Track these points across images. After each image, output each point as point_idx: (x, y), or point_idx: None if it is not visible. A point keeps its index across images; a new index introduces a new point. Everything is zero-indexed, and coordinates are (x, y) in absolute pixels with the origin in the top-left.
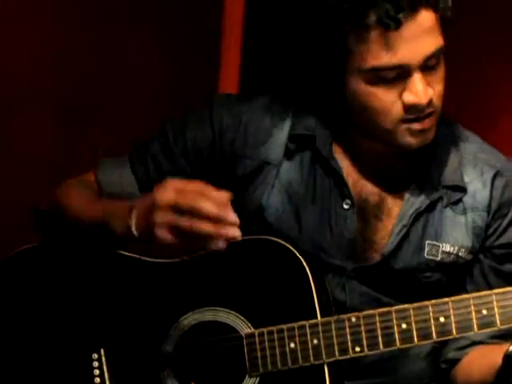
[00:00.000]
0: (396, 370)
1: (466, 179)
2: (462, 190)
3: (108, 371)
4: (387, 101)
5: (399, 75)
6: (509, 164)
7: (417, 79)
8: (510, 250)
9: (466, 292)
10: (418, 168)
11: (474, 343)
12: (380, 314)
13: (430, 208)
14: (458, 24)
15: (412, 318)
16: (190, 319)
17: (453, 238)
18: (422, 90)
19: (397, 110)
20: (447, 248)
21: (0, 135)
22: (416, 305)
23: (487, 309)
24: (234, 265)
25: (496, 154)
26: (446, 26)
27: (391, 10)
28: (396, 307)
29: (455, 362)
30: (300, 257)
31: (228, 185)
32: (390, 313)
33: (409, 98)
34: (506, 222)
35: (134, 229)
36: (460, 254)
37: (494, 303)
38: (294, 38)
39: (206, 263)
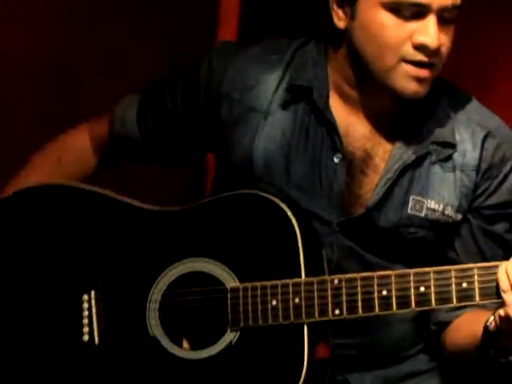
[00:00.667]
0: (381, 330)
1: (458, 138)
2: (452, 146)
3: (96, 313)
4: (398, 35)
5: (416, 14)
6: (502, 126)
7: (432, 21)
8: (499, 211)
9: (455, 252)
10: (409, 123)
11: (467, 305)
12: (362, 279)
13: (418, 163)
14: None
15: (393, 285)
16: (179, 268)
17: (439, 195)
18: (434, 33)
19: (404, 47)
20: (432, 205)
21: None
22: (398, 272)
23: (468, 282)
24: (225, 218)
25: (490, 116)
26: None
27: None
28: (378, 273)
29: (446, 324)
30: (291, 215)
31: (215, 130)
32: (371, 278)
33: (420, 37)
34: (495, 182)
35: None
36: (446, 212)
37: (475, 277)
38: None
39: (197, 214)
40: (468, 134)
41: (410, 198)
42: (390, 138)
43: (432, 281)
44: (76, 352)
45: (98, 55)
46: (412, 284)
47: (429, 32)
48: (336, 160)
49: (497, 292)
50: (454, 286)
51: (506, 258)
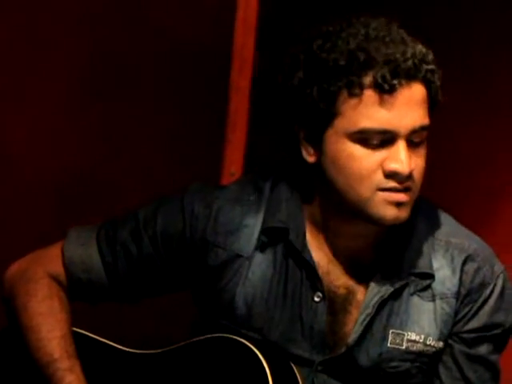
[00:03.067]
0: None
1: (436, 265)
2: (430, 276)
3: None
4: (368, 165)
5: (384, 141)
6: (482, 247)
7: (401, 147)
8: (481, 334)
9: (440, 379)
10: (388, 254)
11: None
12: None
13: (396, 295)
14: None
15: None
16: None
17: (419, 327)
18: (405, 159)
19: (376, 176)
20: (413, 336)
21: None
22: None
23: None
24: (201, 363)
25: (470, 238)
26: (435, 110)
27: (388, 74)
28: None
29: None
30: (263, 360)
31: (199, 274)
32: None
33: (391, 165)
34: (475, 307)
35: None
36: (427, 342)
37: None
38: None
39: (174, 359)
40: (447, 259)
41: (390, 332)
42: (370, 269)
43: None
44: None
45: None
46: None
47: (399, 159)
48: (316, 299)
49: None
50: None
51: (493, 380)
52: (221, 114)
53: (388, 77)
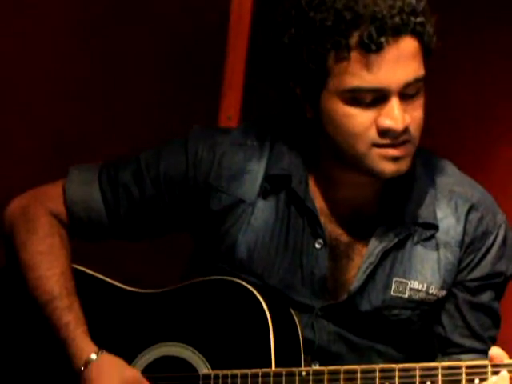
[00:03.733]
0: None
1: (440, 215)
2: (434, 227)
3: None
4: (362, 123)
5: (377, 99)
6: (485, 196)
7: (394, 104)
8: (484, 282)
9: (442, 326)
10: (391, 205)
11: None
12: (329, 372)
13: (399, 245)
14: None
15: (358, 380)
16: (154, 352)
17: (421, 275)
18: (398, 116)
19: (371, 133)
20: (415, 285)
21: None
22: (364, 367)
23: (432, 381)
24: (202, 304)
25: (473, 187)
26: (430, 58)
27: (374, 32)
28: (345, 367)
29: None
30: (263, 303)
31: (201, 218)
32: (338, 372)
33: (384, 122)
34: (478, 256)
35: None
36: (430, 290)
37: (439, 377)
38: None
39: (175, 298)
40: (451, 208)
41: (393, 281)
42: (373, 219)
43: (397, 378)
44: None
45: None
46: (377, 380)
47: (392, 115)
48: (318, 246)
49: None
50: None
51: (494, 326)
52: (219, 58)
53: (374, 35)
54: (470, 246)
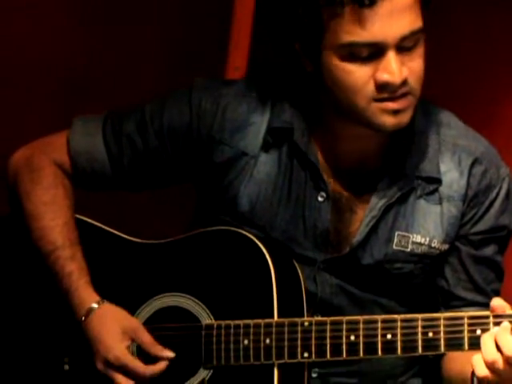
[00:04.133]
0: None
1: (443, 168)
2: (438, 181)
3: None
4: (360, 78)
5: (373, 53)
6: (489, 150)
7: (391, 58)
8: (487, 235)
9: (445, 279)
10: (393, 158)
11: None
12: (331, 323)
13: (402, 199)
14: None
15: (360, 331)
16: (157, 302)
17: (424, 229)
18: (395, 69)
19: (369, 88)
20: (418, 239)
21: None
22: (366, 318)
23: (434, 332)
24: (204, 254)
25: (477, 140)
26: (428, 8)
27: None
28: (347, 318)
29: (442, 354)
30: (266, 254)
31: (204, 170)
32: (340, 322)
33: (382, 76)
34: (482, 209)
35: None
36: (432, 244)
37: (441, 327)
38: (278, 17)
39: (178, 249)
40: (454, 161)
41: (396, 234)
42: (376, 173)
43: (399, 329)
44: (57, 379)
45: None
46: (379, 331)
47: (389, 69)
48: (320, 199)
49: (460, 344)
50: (419, 335)
51: (498, 279)
52: (227, 9)
53: None
54: (474, 199)
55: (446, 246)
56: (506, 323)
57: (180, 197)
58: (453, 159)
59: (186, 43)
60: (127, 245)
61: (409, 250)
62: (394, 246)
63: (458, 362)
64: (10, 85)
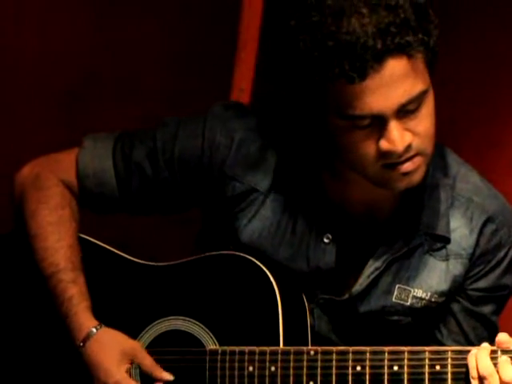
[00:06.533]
0: None
1: (454, 224)
2: (446, 240)
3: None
4: (365, 147)
5: (374, 123)
6: (503, 208)
7: (392, 127)
8: (486, 294)
9: (440, 332)
10: (406, 211)
11: None
12: (337, 352)
13: (408, 253)
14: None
15: (367, 361)
16: (161, 326)
17: (427, 284)
18: (397, 138)
19: (375, 156)
20: (419, 293)
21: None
22: (373, 348)
23: (441, 365)
24: (210, 278)
25: (492, 197)
26: (435, 63)
27: (355, 62)
28: (354, 348)
29: None
30: (273, 281)
31: (212, 201)
32: (347, 352)
33: (384, 145)
34: (488, 267)
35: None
36: (433, 299)
37: (449, 360)
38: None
39: (183, 272)
40: (466, 218)
41: (396, 287)
42: (385, 224)
43: (406, 360)
44: None
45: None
46: (386, 362)
47: (390, 138)
48: (326, 240)
49: (466, 378)
50: (426, 367)
51: (491, 340)
52: (232, 31)
53: (355, 65)
54: (481, 257)
55: (443, 299)
56: (504, 357)
57: (186, 217)
58: (465, 215)
59: (192, 65)
60: (130, 266)
61: (408, 303)
62: (394, 299)
63: None
64: (11, 90)
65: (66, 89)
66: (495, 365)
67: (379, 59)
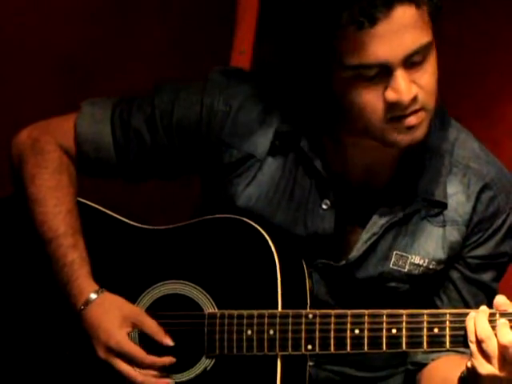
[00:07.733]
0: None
1: (450, 190)
2: (443, 205)
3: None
4: (370, 99)
5: (380, 73)
6: (501, 174)
7: (399, 76)
8: (485, 261)
9: (440, 299)
10: (402, 176)
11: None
12: (336, 316)
13: (405, 219)
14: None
15: (365, 324)
16: (160, 289)
17: (424, 251)
18: (404, 88)
19: (381, 108)
20: (416, 260)
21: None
22: (371, 311)
23: (439, 328)
24: (209, 242)
25: (490, 164)
26: (438, 19)
27: (365, 7)
28: (352, 311)
29: (422, 365)
30: (271, 244)
31: (210, 167)
32: (345, 316)
33: (390, 95)
34: (486, 235)
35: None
36: (430, 266)
37: (447, 323)
38: (290, 34)
39: (182, 236)
40: (463, 184)
41: (394, 253)
42: (384, 189)
43: (404, 323)
44: (59, 364)
45: (109, 53)
46: (384, 325)
47: (397, 88)
48: (324, 207)
49: (465, 341)
50: (425, 330)
51: (491, 307)
52: None
53: (366, 10)
54: (478, 225)
55: (441, 266)
56: (502, 320)
57: (187, 181)
58: (462, 182)
59: (191, 27)
60: (129, 230)
61: (405, 270)
62: (391, 265)
63: (440, 371)
64: (10, 55)
65: (65, 54)
66: (493, 328)
67: (389, 5)
